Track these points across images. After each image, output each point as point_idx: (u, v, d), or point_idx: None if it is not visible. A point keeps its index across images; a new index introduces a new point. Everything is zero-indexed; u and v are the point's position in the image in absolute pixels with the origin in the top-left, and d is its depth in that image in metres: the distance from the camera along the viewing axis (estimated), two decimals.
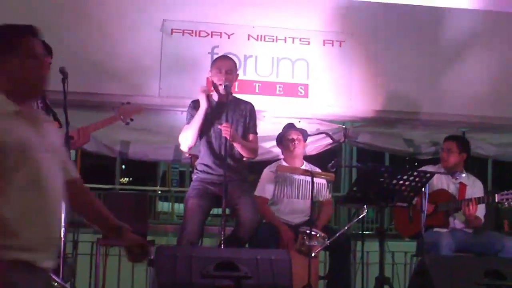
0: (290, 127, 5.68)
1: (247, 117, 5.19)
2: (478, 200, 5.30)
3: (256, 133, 5.25)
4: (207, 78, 5.26)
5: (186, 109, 5.28)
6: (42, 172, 2.46)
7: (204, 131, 5.08)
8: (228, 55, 5.55)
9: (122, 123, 4.99)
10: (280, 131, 5.71)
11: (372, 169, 4.82)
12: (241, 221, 4.93)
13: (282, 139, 5.62)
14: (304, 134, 5.66)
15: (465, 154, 5.62)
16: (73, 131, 4.66)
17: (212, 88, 5.14)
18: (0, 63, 2.50)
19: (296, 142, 5.54)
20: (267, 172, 5.58)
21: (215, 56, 5.88)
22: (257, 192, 5.49)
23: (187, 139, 5.07)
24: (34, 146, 2.46)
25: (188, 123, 5.12)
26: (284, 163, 5.58)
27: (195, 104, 5.12)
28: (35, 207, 2.43)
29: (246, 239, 4.98)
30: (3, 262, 2.31)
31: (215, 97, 5.15)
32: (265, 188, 5.49)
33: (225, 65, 5.11)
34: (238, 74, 5.33)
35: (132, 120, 4.94)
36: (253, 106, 5.26)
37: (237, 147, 5.07)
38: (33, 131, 2.50)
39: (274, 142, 5.85)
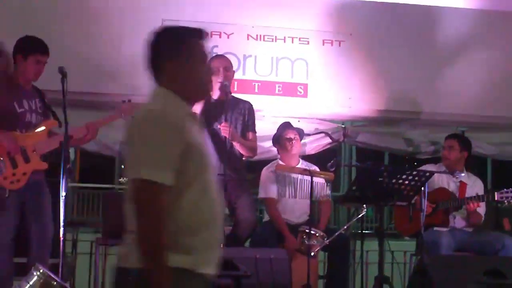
0: (286, 126, 5.65)
1: (246, 115, 5.20)
2: (479, 198, 5.31)
3: (255, 132, 5.25)
4: None
5: None
6: (212, 177, 2.42)
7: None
8: (221, 54, 5.57)
9: (122, 122, 4.97)
10: None
11: (372, 168, 4.82)
12: (239, 220, 4.94)
13: (279, 139, 5.60)
14: (301, 133, 5.66)
15: (466, 152, 5.62)
16: (81, 128, 4.67)
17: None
18: (174, 65, 2.47)
19: (293, 141, 5.53)
20: (266, 172, 5.56)
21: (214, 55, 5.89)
22: (262, 195, 5.49)
23: None
24: (208, 150, 2.43)
25: None
26: (281, 163, 5.57)
27: None
28: (209, 213, 2.37)
29: (244, 238, 4.99)
30: (172, 268, 2.23)
31: (213, 95, 5.16)
32: (268, 188, 5.47)
33: (223, 63, 5.13)
34: (234, 72, 5.34)
35: (133, 117, 4.92)
36: (251, 105, 5.27)
37: (237, 146, 5.08)
38: (201, 134, 2.49)
39: (272, 141, 5.85)
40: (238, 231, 4.93)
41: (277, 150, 5.70)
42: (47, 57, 4.63)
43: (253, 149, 5.24)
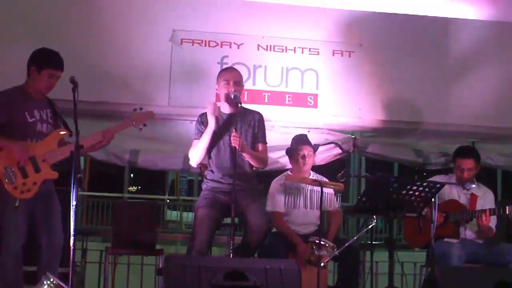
0: (301, 141, 5.58)
1: (255, 127, 5.19)
2: (492, 212, 5.28)
3: (265, 143, 5.24)
4: (216, 90, 5.26)
5: (195, 118, 5.28)
6: None
7: (213, 142, 5.08)
8: (233, 67, 5.58)
9: (133, 130, 4.97)
10: (289, 141, 5.68)
11: (381, 179, 4.81)
12: (250, 228, 4.93)
13: (293, 153, 5.57)
14: (315, 148, 5.64)
15: (479, 165, 5.61)
16: (96, 134, 4.69)
17: (222, 100, 5.13)
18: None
19: (307, 158, 5.50)
20: (275, 185, 5.55)
21: (225, 66, 5.91)
22: (269, 208, 5.47)
23: (195, 157, 5.09)
24: None
25: (196, 138, 5.13)
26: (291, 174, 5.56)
27: (203, 119, 5.13)
28: None
29: (255, 246, 4.96)
30: None
31: (225, 109, 5.16)
32: (276, 201, 5.46)
33: (233, 76, 5.13)
34: (243, 86, 5.34)
35: (145, 125, 4.92)
36: (261, 116, 5.27)
37: (246, 157, 5.07)
38: None
39: (283, 152, 5.83)
40: (248, 239, 4.91)
41: (290, 162, 5.68)
42: (61, 72, 4.64)
43: (263, 160, 5.23)
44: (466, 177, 5.50)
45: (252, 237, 4.90)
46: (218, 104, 5.19)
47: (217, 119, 5.05)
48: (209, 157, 5.16)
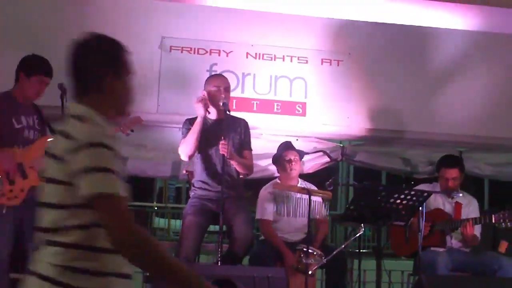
0: (286, 147, 5.63)
1: (242, 134, 5.20)
2: (475, 221, 5.29)
3: (250, 149, 5.25)
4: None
5: None
6: None
7: (201, 149, 5.08)
8: (221, 74, 5.59)
9: (121, 137, 4.96)
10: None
11: (369, 187, 4.82)
12: (235, 237, 4.93)
13: (279, 159, 5.59)
14: (301, 154, 5.65)
15: (463, 173, 5.63)
16: None
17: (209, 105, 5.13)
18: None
19: (293, 163, 5.52)
20: (264, 193, 5.56)
21: (214, 74, 5.91)
22: (258, 216, 5.48)
23: (186, 147, 5.04)
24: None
25: (184, 137, 5.12)
26: (279, 182, 5.57)
27: (191, 121, 5.13)
28: None
29: (241, 255, 4.97)
30: None
31: (211, 115, 5.16)
32: (265, 209, 5.47)
33: (224, 83, 5.14)
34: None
35: (132, 131, 4.90)
36: (247, 122, 5.28)
37: (234, 164, 5.08)
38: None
39: (271, 160, 5.84)
40: (234, 248, 4.92)
41: (277, 170, 5.69)
42: (50, 78, 4.64)
43: (249, 167, 5.24)
44: (451, 186, 5.52)
45: (237, 247, 4.90)
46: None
47: (206, 107, 5.04)
48: (196, 163, 5.15)
